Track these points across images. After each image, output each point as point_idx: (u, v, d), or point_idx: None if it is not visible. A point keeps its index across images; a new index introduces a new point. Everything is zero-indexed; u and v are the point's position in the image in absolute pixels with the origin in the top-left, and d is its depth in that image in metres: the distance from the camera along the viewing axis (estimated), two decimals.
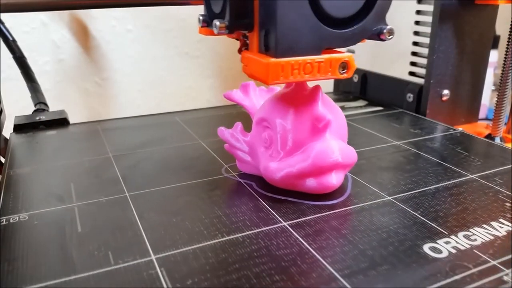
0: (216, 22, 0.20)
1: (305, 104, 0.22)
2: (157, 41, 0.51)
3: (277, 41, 0.19)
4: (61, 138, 0.32)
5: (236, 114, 0.38)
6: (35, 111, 0.36)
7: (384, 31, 0.20)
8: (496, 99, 0.35)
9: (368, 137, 0.32)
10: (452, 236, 0.19)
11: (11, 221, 0.21)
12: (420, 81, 0.38)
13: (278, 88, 0.29)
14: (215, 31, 0.20)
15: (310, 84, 0.23)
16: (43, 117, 0.34)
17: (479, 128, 0.39)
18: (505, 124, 0.37)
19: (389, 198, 0.23)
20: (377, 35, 0.20)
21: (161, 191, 0.24)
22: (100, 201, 0.22)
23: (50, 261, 0.18)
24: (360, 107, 0.40)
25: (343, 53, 0.20)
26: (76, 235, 0.19)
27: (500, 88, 0.34)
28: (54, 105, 0.38)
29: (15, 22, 0.42)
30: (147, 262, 0.17)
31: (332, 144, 0.21)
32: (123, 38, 0.49)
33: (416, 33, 0.38)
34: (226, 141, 0.25)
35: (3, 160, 0.31)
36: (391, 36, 0.20)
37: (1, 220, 0.21)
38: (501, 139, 0.36)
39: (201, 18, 0.22)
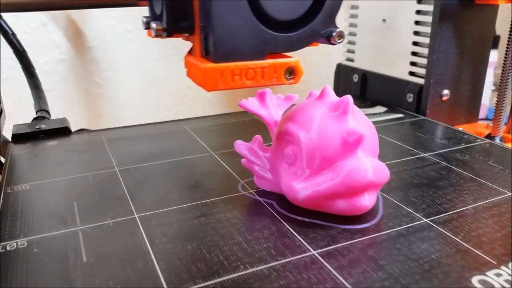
0: (153, 24, 0.18)
1: (333, 116, 0.20)
2: (157, 41, 0.49)
3: (215, 45, 0.17)
4: (63, 149, 0.30)
5: (249, 122, 0.36)
6: (35, 118, 0.34)
7: (334, 34, 0.19)
8: (496, 99, 0.34)
9: (393, 148, 0.30)
10: (502, 267, 0.17)
11: (8, 248, 0.19)
12: (420, 81, 0.38)
13: (296, 96, 0.27)
14: (152, 33, 0.18)
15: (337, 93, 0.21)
16: (43, 126, 0.32)
17: (479, 128, 0.39)
18: (505, 124, 0.37)
19: (426, 220, 0.20)
20: (327, 39, 0.19)
21: (173, 212, 0.21)
22: (106, 224, 0.20)
23: None
24: (379, 114, 0.38)
25: (289, 58, 0.18)
26: (80, 265, 0.17)
27: (500, 88, 0.34)
28: (53, 105, 0.38)
29: (15, 22, 0.41)
30: None
31: (365, 162, 0.19)
32: (123, 38, 0.48)
33: (416, 33, 0.38)
34: (244, 157, 0.23)
35: (3, 160, 0.29)
36: (341, 40, 0.19)
37: None
38: (501, 139, 0.35)
39: (144, 20, 0.20)
